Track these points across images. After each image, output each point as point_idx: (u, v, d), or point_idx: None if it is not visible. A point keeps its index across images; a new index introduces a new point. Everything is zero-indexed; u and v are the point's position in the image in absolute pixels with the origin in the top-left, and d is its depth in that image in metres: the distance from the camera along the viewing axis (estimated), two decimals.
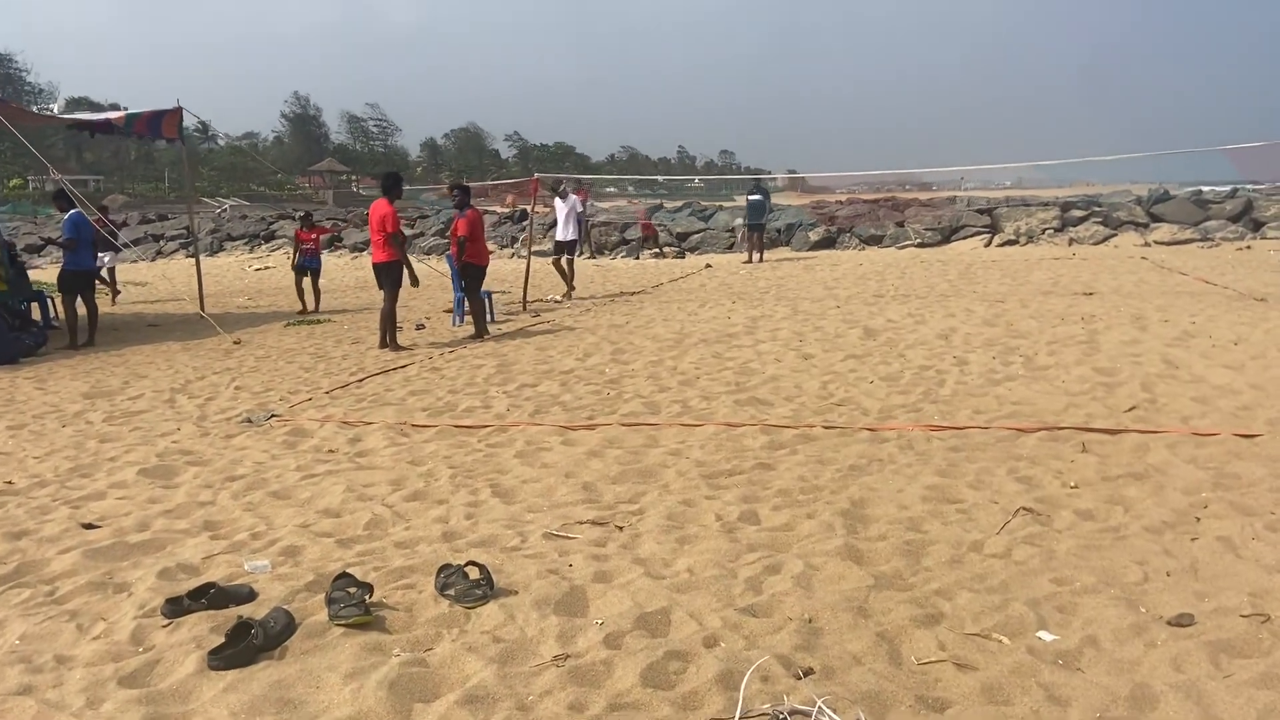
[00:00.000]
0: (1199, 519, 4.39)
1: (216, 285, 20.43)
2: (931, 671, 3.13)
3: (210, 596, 3.79)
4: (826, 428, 6.31)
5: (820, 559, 4.07)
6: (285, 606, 3.71)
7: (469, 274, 11.60)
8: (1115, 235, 23.70)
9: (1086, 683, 2.98)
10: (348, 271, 23.98)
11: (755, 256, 22.47)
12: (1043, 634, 3.34)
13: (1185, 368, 7.86)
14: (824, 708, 2.80)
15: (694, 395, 7.55)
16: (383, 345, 10.72)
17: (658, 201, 40.58)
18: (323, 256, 16.34)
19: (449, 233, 13.00)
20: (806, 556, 4.10)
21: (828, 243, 25.51)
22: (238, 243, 30.71)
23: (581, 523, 4.68)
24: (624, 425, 6.60)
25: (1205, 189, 30.29)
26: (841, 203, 30.82)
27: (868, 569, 3.96)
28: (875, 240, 25.30)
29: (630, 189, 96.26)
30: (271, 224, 32.29)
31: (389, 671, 3.17)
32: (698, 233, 26.72)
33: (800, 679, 3.06)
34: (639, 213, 26.12)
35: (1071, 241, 23.64)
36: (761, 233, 22.90)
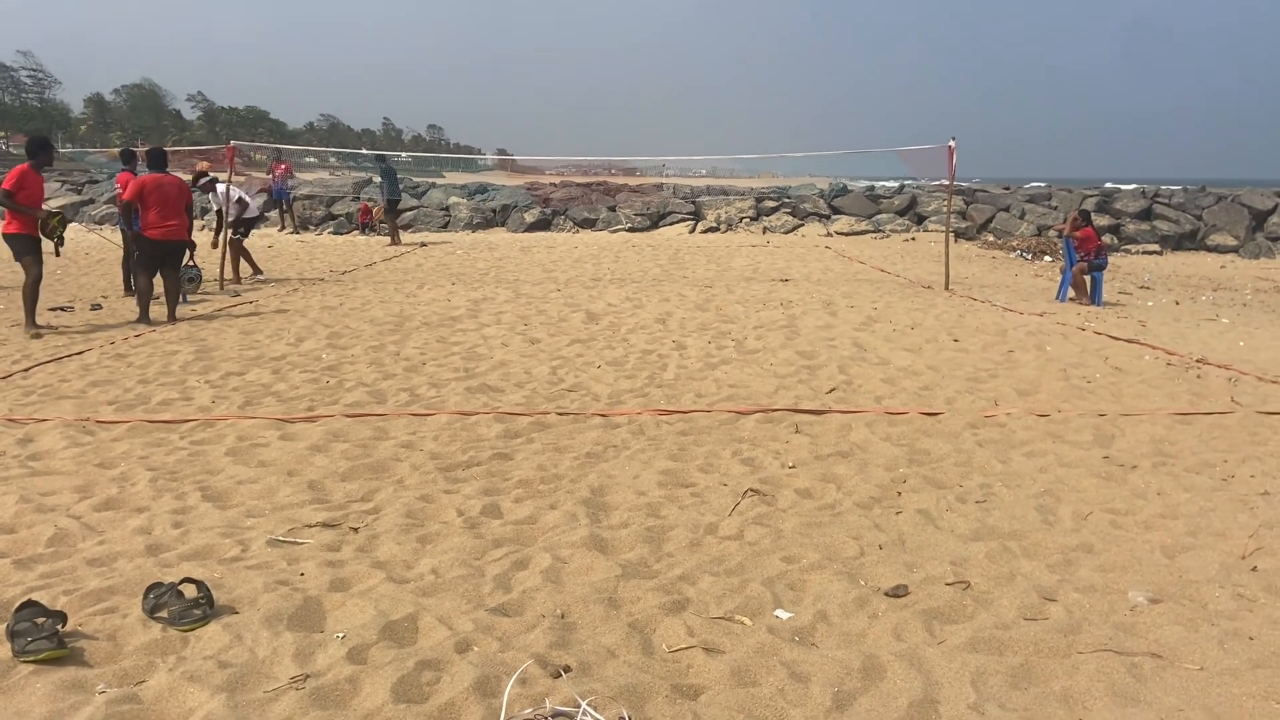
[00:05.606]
0: (900, 494, 4.85)
1: None
2: (683, 659, 3.21)
3: None
4: (560, 414, 6.32)
5: (567, 551, 4.06)
6: None
7: (140, 246, 10.42)
8: (803, 225, 25.78)
9: (822, 658, 3.19)
10: None
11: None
12: (779, 612, 3.54)
13: (873, 351, 8.69)
14: (589, 709, 2.78)
15: (422, 382, 7.29)
16: (31, 325, 9.44)
17: (366, 175, 38.83)
18: None
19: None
20: (553, 549, 4.07)
21: (543, 224, 25.71)
22: None
23: (310, 526, 4.35)
24: (349, 416, 6.23)
25: (876, 185, 33.77)
26: (555, 185, 31.16)
27: (614, 558, 4.00)
28: (589, 224, 25.83)
29: (333, 160, 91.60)
30: None
31: (94, 712, 2.78)
32: (410, 210, 25.91)
33: (558, 678, 3.03)
34: (362, 205, 24.60)
35: (765, 230, 25.44)
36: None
